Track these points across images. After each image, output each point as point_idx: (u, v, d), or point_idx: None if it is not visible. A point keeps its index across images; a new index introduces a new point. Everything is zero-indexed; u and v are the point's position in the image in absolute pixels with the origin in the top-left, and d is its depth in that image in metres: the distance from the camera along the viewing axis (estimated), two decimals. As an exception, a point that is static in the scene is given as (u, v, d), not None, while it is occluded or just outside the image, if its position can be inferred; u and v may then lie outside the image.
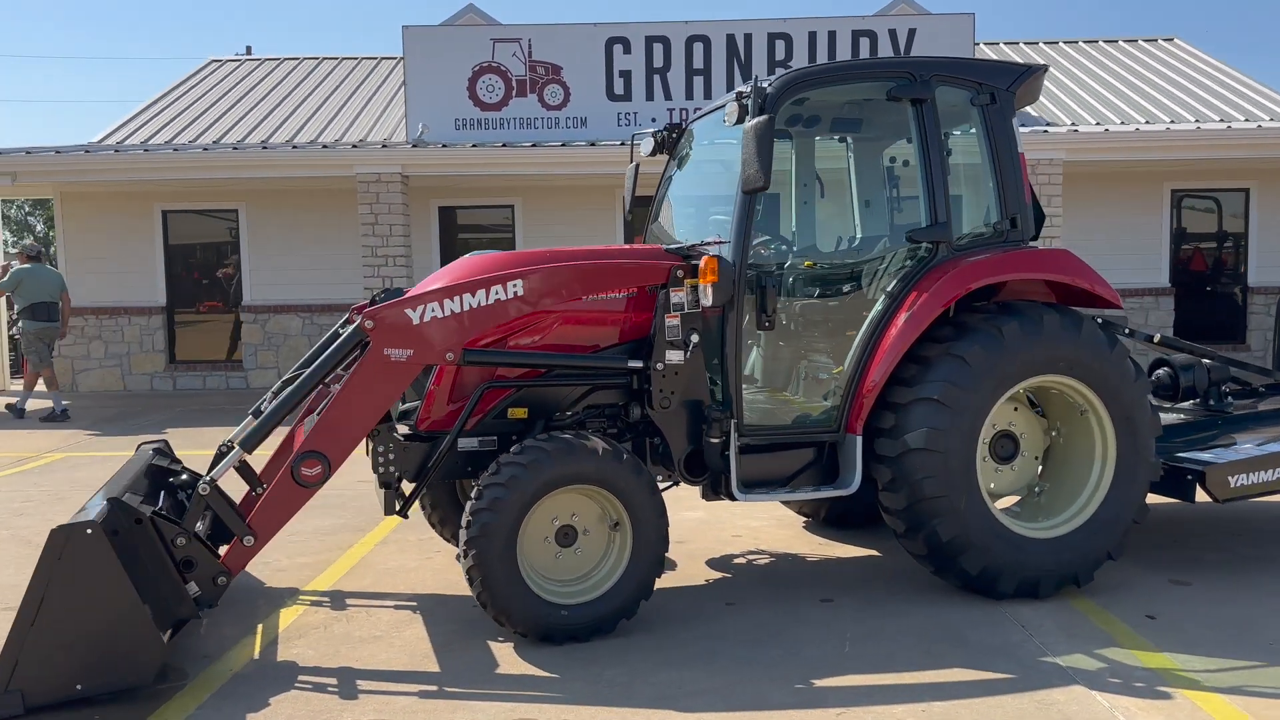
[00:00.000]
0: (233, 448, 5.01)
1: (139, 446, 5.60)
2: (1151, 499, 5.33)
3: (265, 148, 13.44)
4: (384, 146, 13.26)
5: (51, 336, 12.13)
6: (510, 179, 13.74)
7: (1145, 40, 19.10)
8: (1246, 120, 14.24)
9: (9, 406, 12.23)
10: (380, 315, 4.44)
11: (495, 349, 4.73)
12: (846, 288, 5.36)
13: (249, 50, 26.35)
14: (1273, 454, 5.29)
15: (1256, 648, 4.32)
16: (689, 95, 13.42)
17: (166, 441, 5.68)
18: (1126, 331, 6.28)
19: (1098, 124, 14.07)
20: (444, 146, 13.10)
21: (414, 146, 13.17)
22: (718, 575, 5.50)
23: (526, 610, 4.30)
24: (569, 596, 4.43)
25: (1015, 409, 5.17)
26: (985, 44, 18.89)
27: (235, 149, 13.40)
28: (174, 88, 18.18)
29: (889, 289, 5.02)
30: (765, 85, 4.86)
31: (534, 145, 12.93)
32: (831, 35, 13.43)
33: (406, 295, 4.58)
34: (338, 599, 5.13)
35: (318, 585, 5.36)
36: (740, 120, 4.78)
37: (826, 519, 6.42)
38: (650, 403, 4.77)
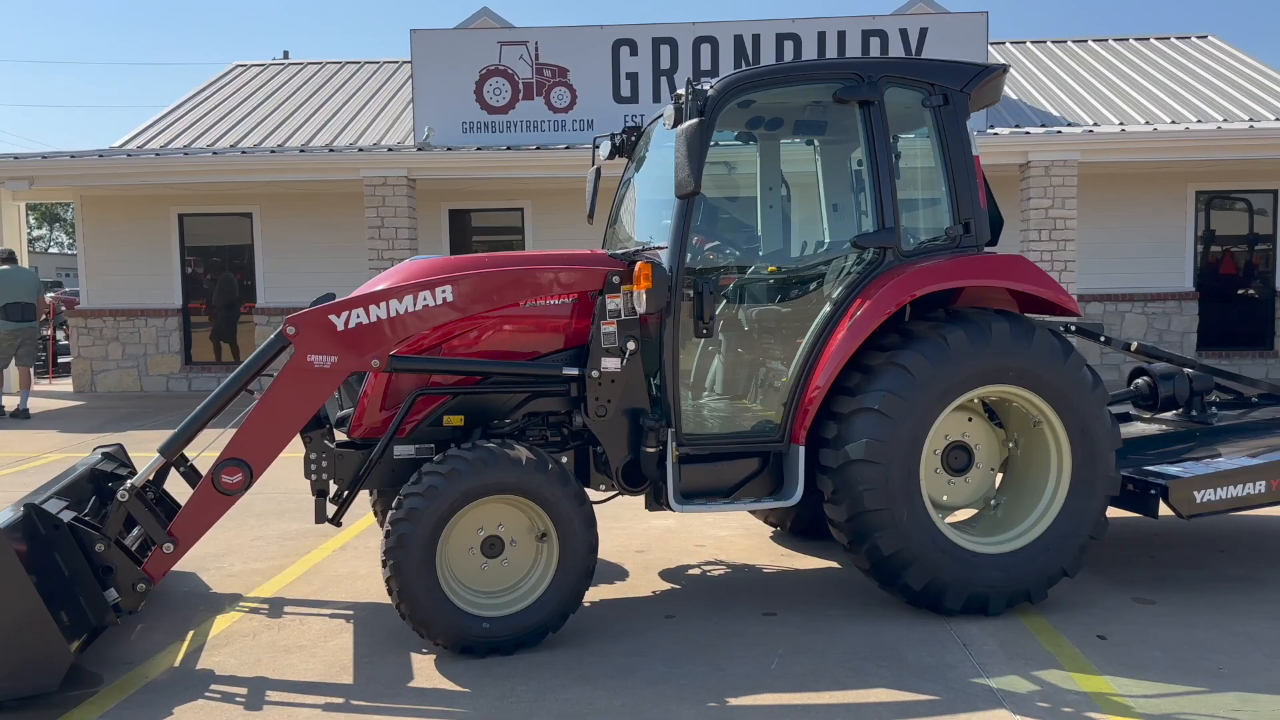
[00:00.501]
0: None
1: (95, 449, 5.63)
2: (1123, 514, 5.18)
3: (273, 152, 13.55)
4: (390, 150, 13.30)
5: (25, 336, 12.35)
6: (518, 182, 13.71)
7: (1178, 38, 18.64)
8: (1277, 120, 13.81)
9: (13, 413, 12.44)
10: (303, 321, 4.40)
11: (428, 355, 4.68)
12: (796, 294, 5.23)
13: (286, 55, 26.68)
14: (1245, 468, 5.08)
15: (1203, 673, 4.13)
16: (696, 97, 13.27)
17: (121, 445, 5.70)
18: (1102, 339, 6.11)
19: (1121, 124, 13.73)
20: (449, 150, 13.10)
21: (419, 150, 13.19)
22: (667, 586, 5.40)
23: (445, 622, 4.23)
24: (494, 608, 4.36)
25: (969, 419, 5.01)
26: (1011, 43, 18.57)
27: (244, 153, 13.52)
28: (199, 92, 18.43)
29: (835, 296, 4.88)
30: (705, 88, 4.77)
31: (538, 148, 12.89)
32: (841, 35, 13.24)
33: (334, 301, 4.54)
34: (277, 606, 5.10)
35: (262, 591, 5.34)
36: (678, 123, 4.68)
37: (793, 529, 6.29)
38: (587, 411, 4.69)
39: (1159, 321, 14.26)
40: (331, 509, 4.74)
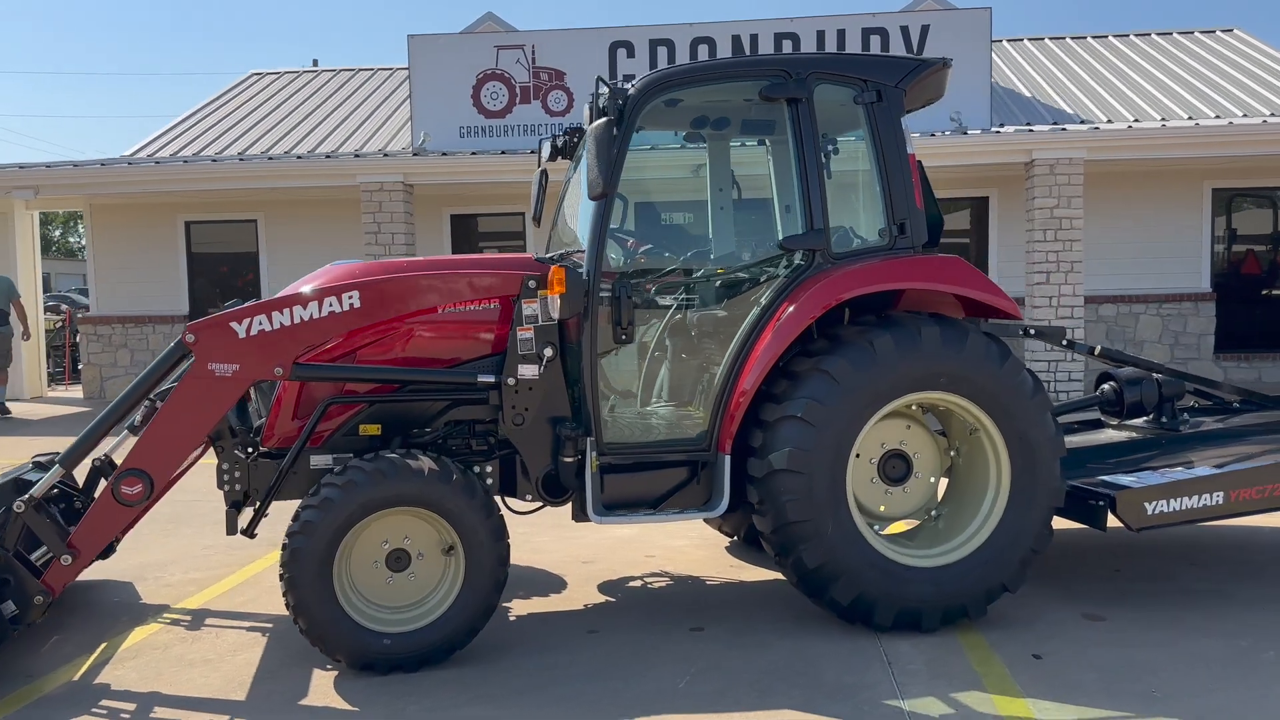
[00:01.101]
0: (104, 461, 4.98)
1: (33, 457, 5.60)
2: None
3: (271, 159, 13.58)
4: (385, 155, 13.28)
5: None
6: (515, 186, 13.59)
7: (1202, 32, 18.15)
8: (1295, 114, 13.34)
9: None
10: (203, 328, 4.31)
11: (342, 362, 4.58)
12: (725, 299, 5.07)
13: (315, 63, 26.89)
14: (1201, 478, 4.83)
15: (1134, 696, 3.91)
16: (693, 98, 13.09)
17: (58, 454, 5.65)
18: (1065, 342, 5.87)
19: (1132, 120, 13.34)
20: (444, 155, 13.05)
21: (415, 155, 13.15)
22: (602, 599, 5.25)
23: (343, 638, 4.12)
24: (398, 624, 4.24)
25: (908, 427, 4.81)
26: (1029, 39, 18.20)
27: (241, 160, 13.57)
28: (212, 100, 18.57)
29: (763, 300, 4.71)
30: (626, 87, 4.64)
31: (532, 152, 12.76)
32: (841, 34, 13.00)
33: (238, 307, 4.44)
34: (200, 617, 5.03)
35: (191, 602, 5.27)
36: (591, 120, 4.56)
37: (747, 538, 6.12)
38: (504, 419, 4.56)
39: (1175, 324, 13.85)
40: (245, 520, 4.65)
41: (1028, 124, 13.22)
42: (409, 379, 4.56)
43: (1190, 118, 13.39)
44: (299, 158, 13.57)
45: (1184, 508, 4.77)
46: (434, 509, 4.18)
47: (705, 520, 6.23)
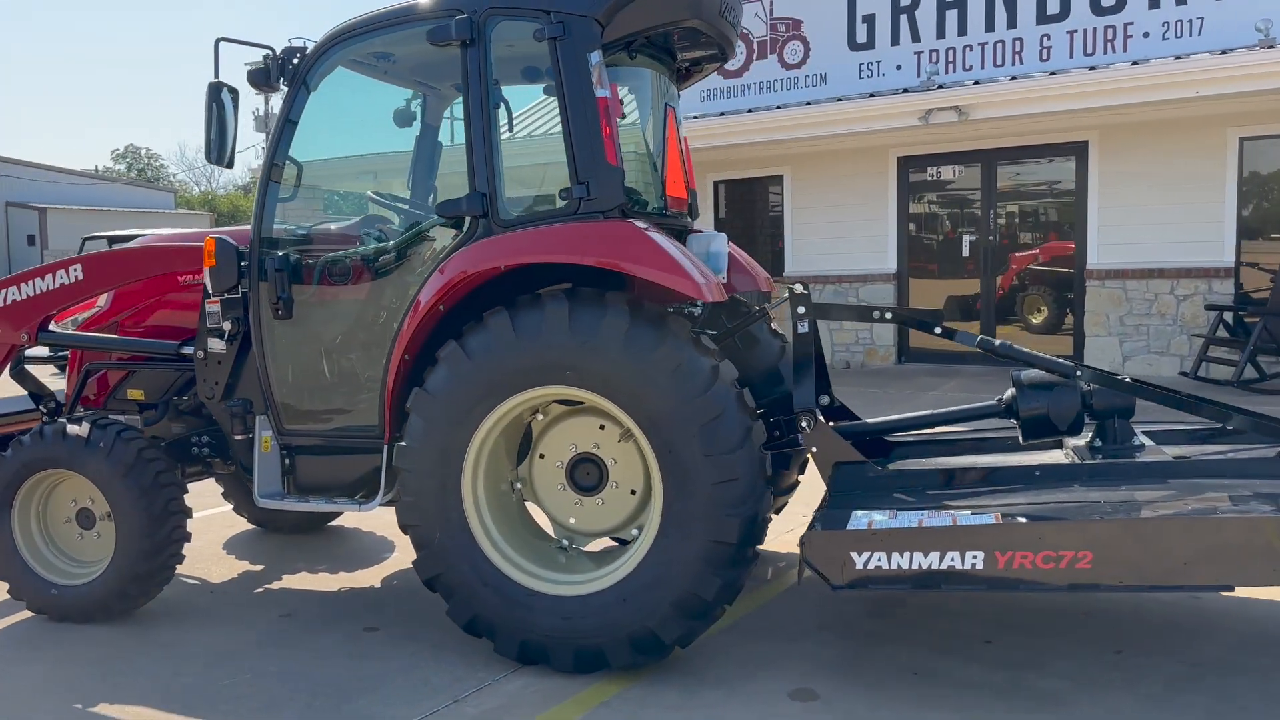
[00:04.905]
0: None
1: None
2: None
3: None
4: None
5: None
6: (770, 146, 12.86)
7: None
8: None
9: None
10: (-37, 299, 4.91)
11: (105, 330, 4.95)
12: (399, 272, 4.47)
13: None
14: (948, 529, 3.46)
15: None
16: (940, 34, 11.43)
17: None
18: (938, 330, 4.44)
19: None
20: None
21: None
22: (368, 585, 5.07)
23: (22, 583, 4.53)
24: (71, 578, 4.53)
25: (601, 427, 4.02)
26: None
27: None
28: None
29: (425, 274, 4.19)
30: (303, 45, 4.40)
31: (749, 111, 12.06)
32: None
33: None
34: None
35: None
36: (266, 82, 4.37)
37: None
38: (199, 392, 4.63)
39: None
40: None
41: None
42: (123, 348, 4.82)
43: None
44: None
45: (917, 567, 3.45)
46: (79, 472, 4.39)
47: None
